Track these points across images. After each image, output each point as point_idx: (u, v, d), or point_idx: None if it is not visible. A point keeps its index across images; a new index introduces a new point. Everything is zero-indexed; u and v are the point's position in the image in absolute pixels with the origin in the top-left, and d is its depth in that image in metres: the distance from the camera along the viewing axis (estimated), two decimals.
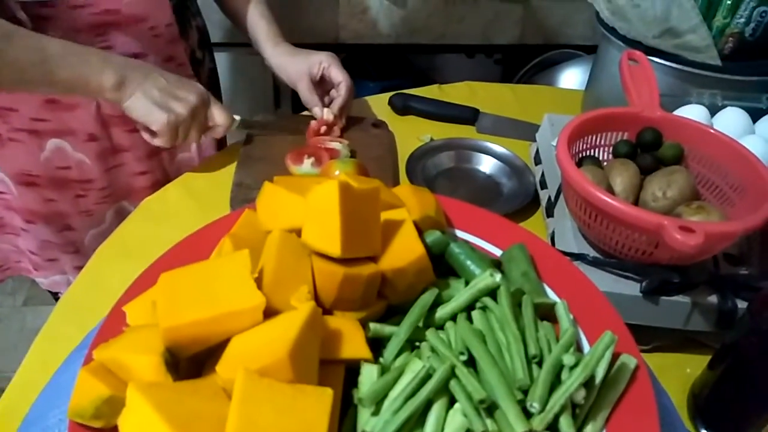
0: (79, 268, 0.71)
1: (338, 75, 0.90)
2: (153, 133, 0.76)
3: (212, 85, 1.02)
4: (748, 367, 0.54)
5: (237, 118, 0.85)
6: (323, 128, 0.89)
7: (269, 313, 0.35)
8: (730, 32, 0.82)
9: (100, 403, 0.32)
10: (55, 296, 1.01)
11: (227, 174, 0.84)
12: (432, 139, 0.95)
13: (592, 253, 0.66)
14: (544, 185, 0.81)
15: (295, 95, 1.55)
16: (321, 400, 0.29)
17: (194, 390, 0.32)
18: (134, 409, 0.30)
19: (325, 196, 0.38)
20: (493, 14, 1.36)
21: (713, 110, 0.77)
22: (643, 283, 0.61)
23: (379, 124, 0.95)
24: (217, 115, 0.81)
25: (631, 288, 0.61)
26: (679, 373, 0.63)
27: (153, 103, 0.73)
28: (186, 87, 0.77)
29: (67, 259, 0.93)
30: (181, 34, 0.88)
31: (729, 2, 0.80)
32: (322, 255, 0.39)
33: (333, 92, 0.92)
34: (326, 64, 0.90)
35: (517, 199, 0.83)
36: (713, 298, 0.61)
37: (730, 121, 0.76)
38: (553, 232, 0.73)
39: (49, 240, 0.90)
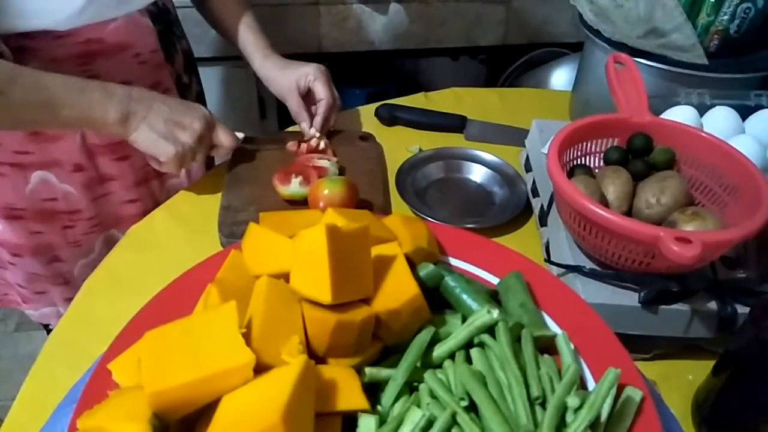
0: (69, 299, 0.70)
1: (321, 91, 0.88)
2: (160, 162, 0.76)
3: None
4: (753, 375, 0.53)
5: (240, 135, 0.84)
6: (305, 146, 0.87)
7: (260, 368, 0.34)
8: (714, 30, 0.81)
9: None
10: (47, 327, 0.99)
11: (214, 197, 0.83)
12: (421, 150, 0.93)
13: (588, 263, 0.65)
14: (536, 193, 0.80)
15: (280, 108, 1.54)
16: None
17: None
18: None
19: (312, 242, 0.37)
20: (475, 16, 1.35)
21: (702, 110, 0.77)
22: (642, 293, 0.60)
23: (367, 137, 0.94)
24: (223, 138, 0.80)
25: (630, 298, 0.61)
26: (681, 380, 0.62)
27: (159, 135, 0.72)
28: (190, 112, 0.76)
29: (56, 291, 0.91)
30: (167, 60, 0.86)
31: (712, 0, 0.79)
32: (313, 301, 0.37)
33: (313, 108, 0.90)
34: (312, 77, 0.89)
35: (510, 209, 0.82)
36: (713, 305, 0.60)
37: (720, 120, 0.76)
38: (548, 243, 0.72)
39: (37, 272, 0.88)
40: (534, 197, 0.81)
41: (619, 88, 0.73)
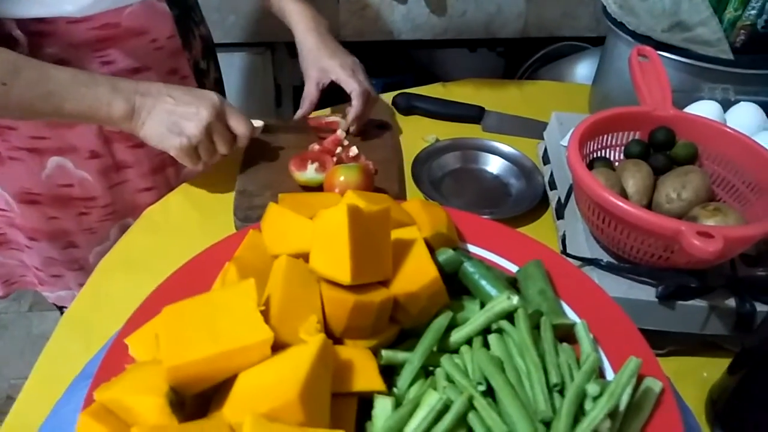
0: (84, 285, 0.70)
1: (348, 85, 0.86)
2: (175, 157, 0.74)
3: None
4: None
5: (259, 123, 0.81)
6: (331, 138, 0.87)
7: (278, 346, 0.34)
8: (741, 25, 0.80)
9: None
10: (61, 309, 1.00)
11: (229, 181, 0.83)
12: (437, 140, 0.93)
13: (605, 257, 0.64)
14: (553, 186, 0.79)
15: (296, 94, 1.54)
16: None
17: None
18: None
19: (333, 222, 0.36)
20: (495, 8, 1.33)
21: (726, 105, 0.75)
22: (659, 288, 0.60)
23: (384, 125, 0.93)
24: (235, 124, 0.76)
25: (647, 293, 0.60)
26: (696, 377, 0.62)
27: (165, 128, 0.71)
28: (197, 101, 0.72)
29: (71, 275, 0.91)
30: (184, 46, 0.85)
31: None
32: (331, 282, 0.37)
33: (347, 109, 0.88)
34: (334, 76, 0.86)
35: (526, 201, 0.81)
36: (731, 302, 0.59)
37: (744, 116, 0.75)
38: (564, 235, 0.71)
39: (52, 257, 0.89)
40: (551, 190, 0.80)
41: (642, 81, 0.72)
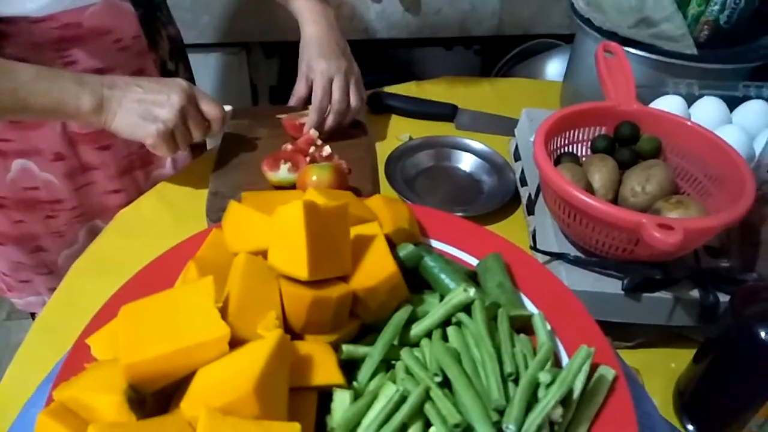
0: (53, 289, 0.70)
1: (315, 93, 0.85)
2: (151, 147, 0.72)
3: None
4: (732, 362, 0.54)
5: (228, 108, 0.80)
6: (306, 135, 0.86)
7: (236, 342, 0.34)
8: (705, 20, 0.81)
9: None
10: (33, 315, 0.99)
11: (202, 183, 0.83)
12: (411, 138, 0.93)
13: (573, 251, 0.65)
14: (524, 182, 0.80)
15: (272, 94, 1.54)
16: None
17: (159, 429, 0.31)
18: None
19: (289, 217, 0.37)
20: (470, 6, 1.35)
21: (690, 100, 0.77)
22: (625, 281, 0.61)
23: (358, 124, 0.94)
24: (207, 108, 0.75)
25: (613, 286, 0.61)
26: (664, 368, 0.63)
27: (137, 116, 0.69)
28: (166, 88, 0.72)
29: (40, 280, 0.91)
30: (150, 46, 0.85)
31: None
32: (290, 278, 0.37)
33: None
34: (312, 78, 0.85)
35: (498, 197, 0.82)
36: (695, 293, 0.61)
37: (708, 110, 0.76)
38: (534, 231, 0.72)
39: (20, 261, 0.88)
40: (522, 186, 0.81)
41: (607, 76, 0.73)
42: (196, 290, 0.36)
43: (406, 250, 0.44)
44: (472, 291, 0.39)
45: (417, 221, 0.49)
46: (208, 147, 0.94)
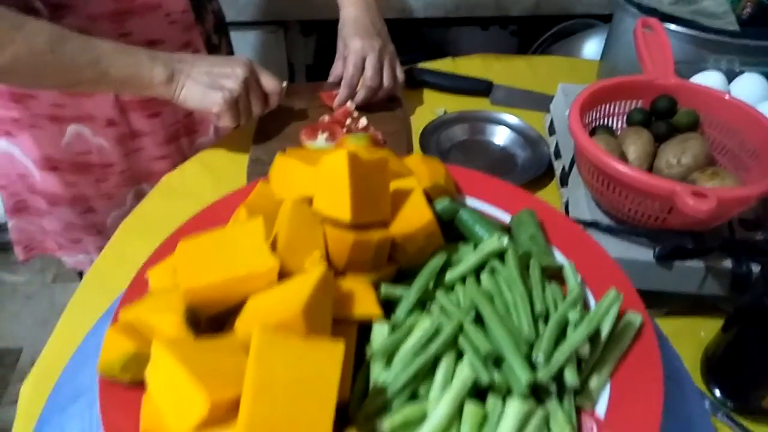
0: (101, 248, 0.74)
1: (347, 71, 0.88)
2: (216, 116, 0.77)
3: None
4: (761, 331, 0.54)
5: (284, 83, 0.85)
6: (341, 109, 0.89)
7: (284, 275, 0.37)
8: None
9: (128, 358, 0.34)
10: (80, 275, 1.04)
11: (243, 150, 0.86)
12: (446, 112, 0.95)
13: (605, 220, 0.66)
14: (558, 155, 0.81)
15: (309, 73, 1.56)
16: (333, 351, 0.31)
17: (215, 345, 0.34)
18: (159, 362, 0.32)
19: (334, 165, 0.39)
20: None
21: (730, 76, 0.76)
22: (657, 249, 0.61)
23: (394, 98, 0.96)
24: (267, 82, 0.81)
25: (645, 254, 0.62)
26: (693, 337, 0.64)
27: (205, 86, 0.74)
28: (230, 62, 0.77)
29: (90, 240, 0.95)
30: (197, 20, 0.89)
31: None
32: (333, 222, 0.40)
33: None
34: (347, 56, 0.88)
35: (532, 170, 0.83)
36: (727, 263, 0.61)
37: (748, 86, 0.76)
38: (567, 201, 0.74)
39: (72, 221, 0.93)
40: (556, 159, 0.82)
41: (645, 50, 0.73)
42: (247, 228, 0.39)
43: (442, 203, 0.46)
44: (505, 239, 0.41)
45: (452, 179, 0.51)
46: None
